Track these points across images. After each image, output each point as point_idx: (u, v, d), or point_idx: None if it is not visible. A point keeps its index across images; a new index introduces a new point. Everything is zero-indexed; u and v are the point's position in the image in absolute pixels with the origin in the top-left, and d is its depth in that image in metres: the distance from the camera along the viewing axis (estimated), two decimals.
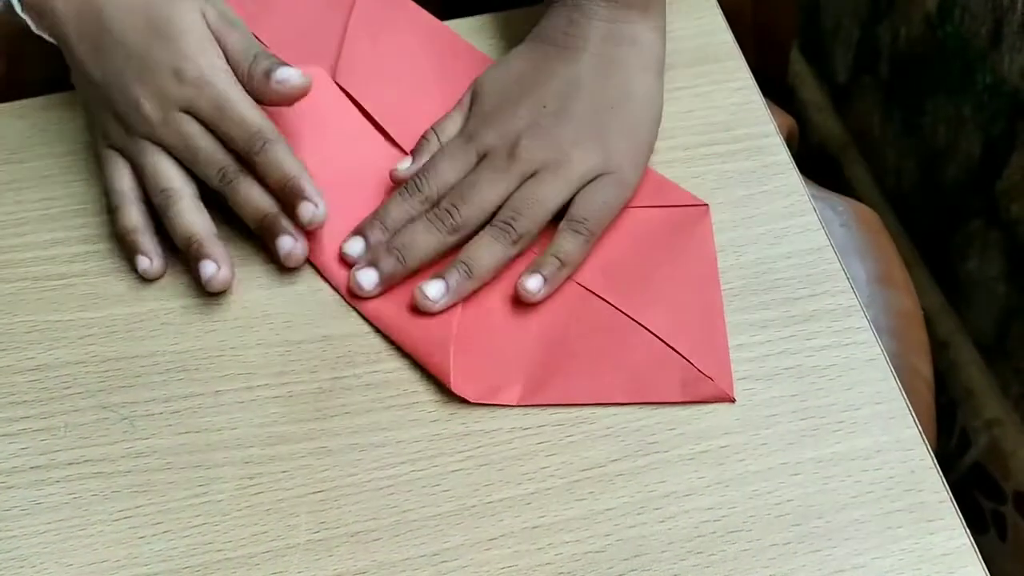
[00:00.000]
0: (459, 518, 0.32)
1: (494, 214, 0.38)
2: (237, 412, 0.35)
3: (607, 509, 0.31)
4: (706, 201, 0.39)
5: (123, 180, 0.40)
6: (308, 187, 0.37)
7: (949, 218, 0.82)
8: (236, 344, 0.37)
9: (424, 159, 0.40)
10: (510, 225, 0.37)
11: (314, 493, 0.33)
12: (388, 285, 0.37)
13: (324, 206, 0.37)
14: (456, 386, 0.34)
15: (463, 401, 0.35)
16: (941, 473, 0.31)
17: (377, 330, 0.37)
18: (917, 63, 0.83)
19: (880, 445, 0.32)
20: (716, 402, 0.34)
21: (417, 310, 0.36)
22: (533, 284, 0.36)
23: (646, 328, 0.35)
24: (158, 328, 0.38)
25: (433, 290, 0.36)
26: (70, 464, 0.34)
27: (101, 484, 0.34)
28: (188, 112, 0.38)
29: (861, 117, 0.96)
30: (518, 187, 0.38)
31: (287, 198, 0.38)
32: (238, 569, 0.31)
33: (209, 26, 0.40)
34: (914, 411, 0.33)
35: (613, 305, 0.36)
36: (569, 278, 0.37)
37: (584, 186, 0.38)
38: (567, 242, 0.37)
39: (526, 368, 0.35)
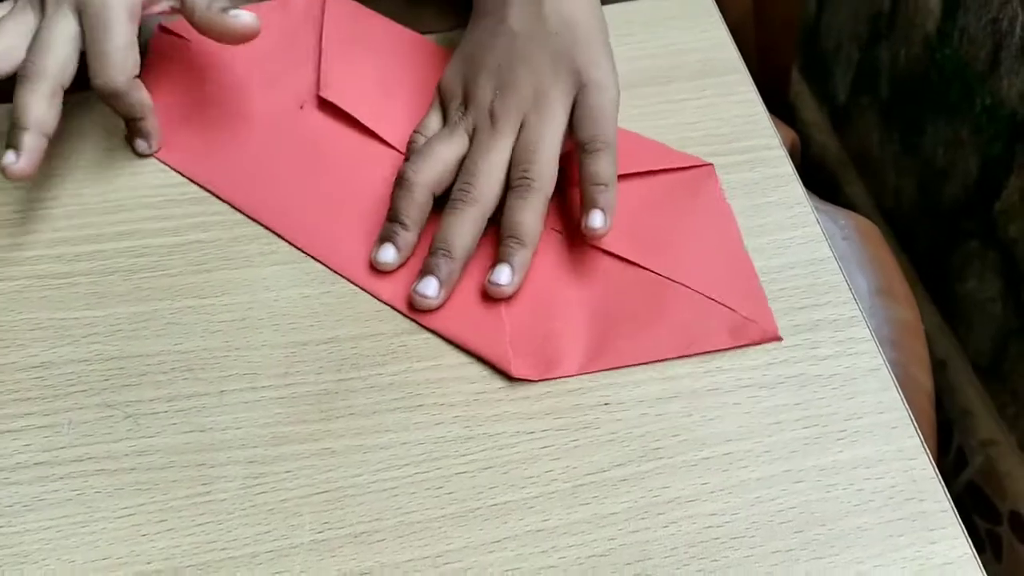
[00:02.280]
0: (463, 520, 0.32)
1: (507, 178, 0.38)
2: (242, 412, 0.35)
3: (611, 514, 0.31)
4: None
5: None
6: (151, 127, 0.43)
7: (947, 238, 0.82)
8: (241, 345, 0.37)
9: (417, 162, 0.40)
10: (527, 177, 0.37)
11: (318, 494, 0.33)
12: (450, 286, 0.37)
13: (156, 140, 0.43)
14: (517, 371, 0.35)
15: (466, 404, 0.35)
16: (943, 483, 0.32)
17: (382, 333, 0.37)
18: (916, 84, 0.83)
19: (882, 454, 0.32)
20: (763, 343, 0.35)
21: (466, 305, 0.37)
22: (597, 220, 0.36)
23: (684, 284, 0.37)
24: (163, 328, 0.38)
25: (502, 276, 0.36)
26: (74, 461, 0.34)
27: (105, 481, 0.34)
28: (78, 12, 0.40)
29: (861, 137, 0.96)
30: (517, 137, 0.39)
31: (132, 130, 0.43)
32: (241, 568, 0.31)
33: None
34: (915, 421, 0.33)
35: (647, 268, 0.37)
36: (598, 249, 0.38)
37: (572, 109, 0.39)
38: (594, 164, 0.37)
39: (578, 339, 0.36)
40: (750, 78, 0.45)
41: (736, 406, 0.34)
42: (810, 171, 1.03)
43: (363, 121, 0.44)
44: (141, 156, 0.44)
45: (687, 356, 0.35)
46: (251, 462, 0.34)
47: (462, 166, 0.39)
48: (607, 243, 0.38)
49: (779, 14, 0.80)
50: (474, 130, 0.40)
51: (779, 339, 0.35)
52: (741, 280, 0.37)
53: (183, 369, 0.37)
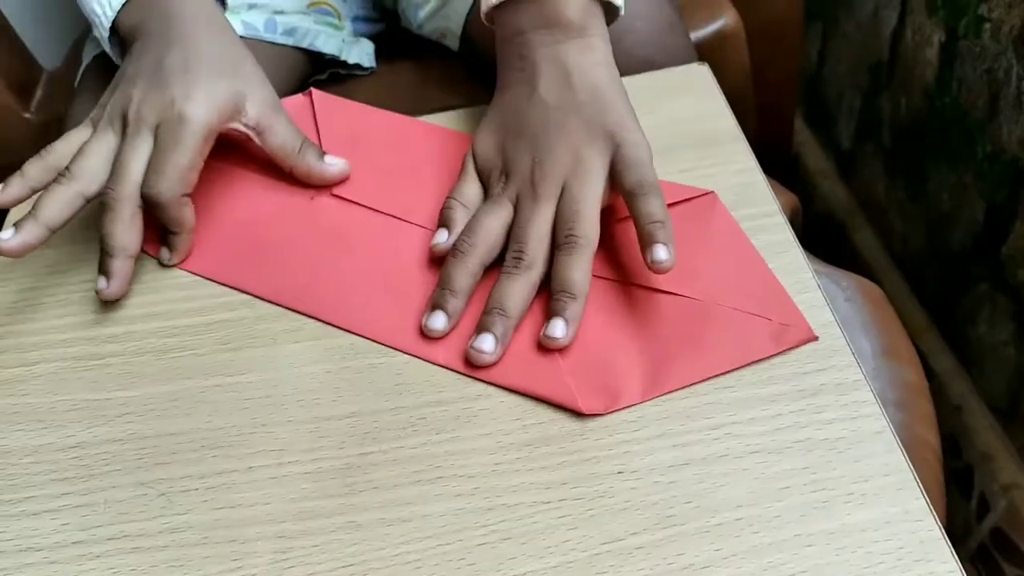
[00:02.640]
0: None
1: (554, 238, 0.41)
2: (269, 487, 0.36)
3: None
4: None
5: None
6: (188, 242, 0.45)
7: (957, 282, 0.83)
8: (267, 421, 0.39)
9: (457, 224, 0.43)
10: (574, 234, 0.40)
11: (344, 567, 0.34)
12: (505, 343, 0.39)
13: (180, 253, 0.45)
14: (586, 406, 0.37)
15: (484, 476, 0.36)
16: (950, 544, 0.32)
17: (402, 407, 0.38)
18: (918, 132, 0.85)
19: (889, 516, 0.33)
20: (804, 343, 0.38)
21: (522, 354, 0.39)
22: (662, 254, 0.38)
23: (721, 304, 0.39)
24: (192, 406, 0.40)
25: (558, 330, 0.39)
26: (109, 540, 0.36)
27: (139, 559, 0.35)
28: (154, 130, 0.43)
29: (866, 184, 0.98)
30: (558, 204, 0.41)
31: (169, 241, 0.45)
32: None
33: (247, 111, 0.45)
34: (923, 481, 0.34)
35: (684, 295, 0.40)
36: (636, 286, 0.41)
37: (611, 167, 0.41)
38: (647, 206, 0.40)
39: (634, 369, 0.38)
40: (748, 147, 0.47)
41: (745, 472, 0.35)
42: (817, 219, 1.04)
43: (379, 208, 0.46)
44: (162, 265, 0.46)
45: (739, 368, 0.38)
46: (279, 537, 0.35)
47: (511, 234, 0.41)
48: (644, 279, 0.41)
49: (779, 70, 0.82)
50: (518, 198, 0.42)
51: (815, 338, 0.38)
52: (770, 292, 0.40)
53: (212, 446, 0.38)
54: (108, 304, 0.44)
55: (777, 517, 0.34)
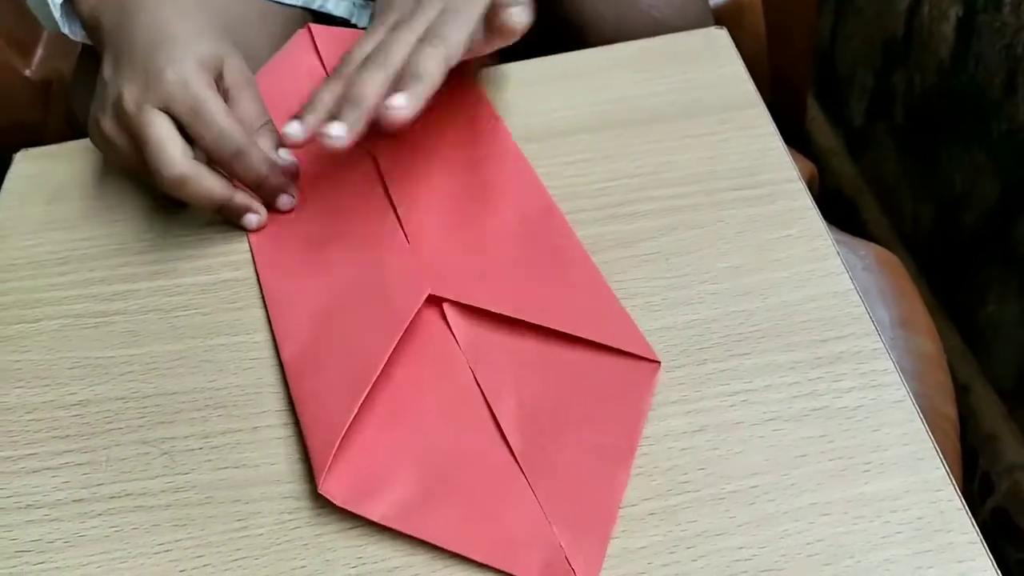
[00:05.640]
0: None
1: None
2: (275, 448, 0.36)
3: (640, 548, 0.32)
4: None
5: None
6: (282, 181, 0.43)
7: (967, 263, 0.82)
8: (273, 381, 0.38)
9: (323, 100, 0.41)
10: (439, 35, 0.39)
11: (352, 528, 0.33)
12: (355, 134, 0.39)
13: (295, 190, 0.44)
14: (324, 487, 0.33)
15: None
16: (970, 514, 0.32)
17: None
18: (931, 110, 0.84)
19: (908, 486, 0.33)
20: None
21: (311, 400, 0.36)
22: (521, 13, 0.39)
23: (533, 493, 0.33)
24: (197, 365, 0.39)
25: (400, 99, 0.38)
26: (112, 498, 0.35)
27: (142, 518, 0.34)
28: (165, 111, 0.41)
29: (877, 162, 0.97)
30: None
31: (264, 195, 0.43)
32: None
33: (223, 76, 0.43)
34: (941, 453, 0.34)
35: (511, 450, 0.34)
36: (485, 401, 0.36)
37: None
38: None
39: (400, 488, 0.33)
40: (767, 112, 0.46)
41: (761, 439, 0.34)
42: (827, 197, 1.03)
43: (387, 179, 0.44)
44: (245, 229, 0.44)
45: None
46: (285, 497, 0.34)
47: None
48: (496, 400, 0.35)
49: (794, 44, 0.81)
50: (395, 25, 0.41)
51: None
52: (595, 517, 0.32)
53: (217, 406, 0.37)
54: (112, 261, 0.44)
55: (793, 485, 0.33)
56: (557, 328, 0.37)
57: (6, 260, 0.45)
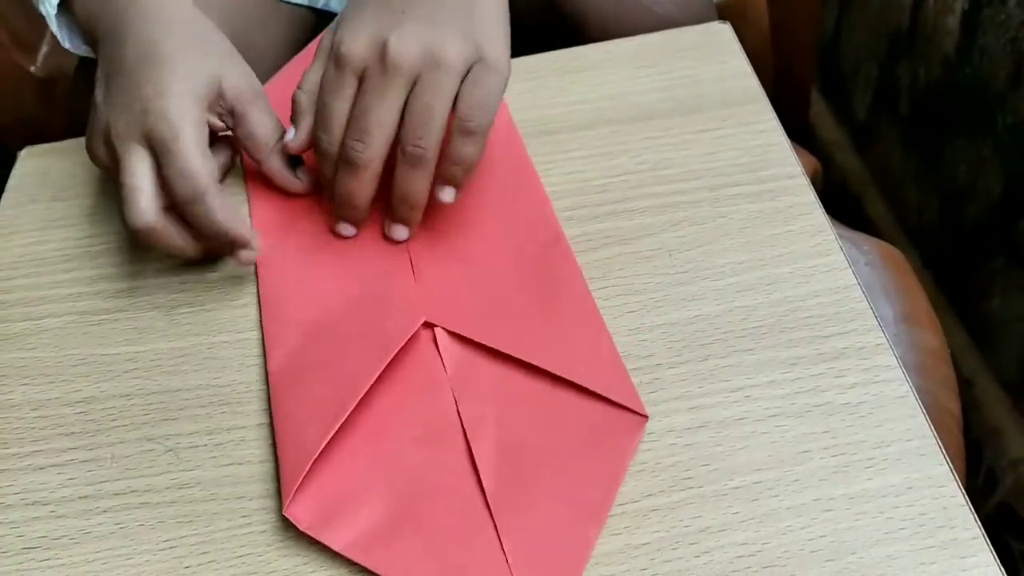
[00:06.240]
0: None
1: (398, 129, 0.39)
2: None
3: (643, 544, 0.32)
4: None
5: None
6: (239, 235, 0.39)
7: (971, 257, 0.82)
8: None
9: (306, 119, 0.41)
10: (419, 147, 0.38)
11: None
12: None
13: (258, 242, 0.40)
14: (289, 510, 0.33)
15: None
16: (973, 510, 0.32)
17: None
18: (936, 103, 0.84)
19: (911, 482, 0.33)
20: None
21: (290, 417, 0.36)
22: (447, 195, 0.39)
23: (499, 537, 0.32)
24: (201, 363, 0.39)
25: (403, 234, 0.41)
26: (116, 495, 0.35)
27: (147, 514, 0.35)
28: (148, 143, 0.39)
29: (881, 155, 0.97)
30: (407, 98, 0.38)
31: (218, 248, 0.41)
32: None
33: (224, 94, 0.41)
34: (944, 448, 0.34)
35: (483, 490, 0.33)
36: (463, 434, 0.35)
37: (463, 81, 0.38)
38: (464, 147, 0.38)
39: (365, 518, 0.33)
40: (770, 107, 0.46)
41: (764, 435, 0.34)
42: (831, 190, 1.03)
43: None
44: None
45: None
46: None
47: (353, 113, 0.39)
48: (475, 437, 0.34)
49: (798, 38, 0.81)
50: (364, 72, 0.39)
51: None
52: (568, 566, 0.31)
53: (221, 403, 0.38)
54: (116, 258, 0.44)
55: (796, 481, 0.33)
56: (549, 369, 0.36)
57: (11, 257, 0.45)
